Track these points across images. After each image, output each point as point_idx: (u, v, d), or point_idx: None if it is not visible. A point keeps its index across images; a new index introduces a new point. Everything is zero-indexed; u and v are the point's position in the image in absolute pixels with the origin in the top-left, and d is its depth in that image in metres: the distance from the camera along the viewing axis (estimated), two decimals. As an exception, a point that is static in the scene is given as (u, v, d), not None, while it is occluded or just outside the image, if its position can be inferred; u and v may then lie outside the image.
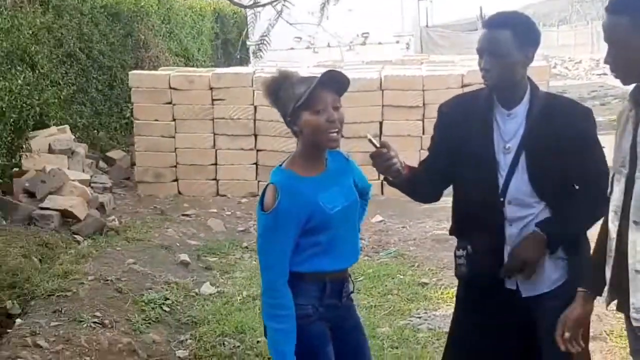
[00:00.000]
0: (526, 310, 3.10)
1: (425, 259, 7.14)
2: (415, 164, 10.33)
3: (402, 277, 6.55)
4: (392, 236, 8.03)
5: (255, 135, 9.81)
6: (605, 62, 2.58)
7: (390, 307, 5.86)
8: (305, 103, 2.90)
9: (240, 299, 5.98)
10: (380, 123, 9.85)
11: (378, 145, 3.02)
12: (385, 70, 10.49)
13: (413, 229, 8.27)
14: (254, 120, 9.79)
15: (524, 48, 3.01)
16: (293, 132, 3.02)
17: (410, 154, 9.67)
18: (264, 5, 6.08)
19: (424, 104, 9.73)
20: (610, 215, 2.67)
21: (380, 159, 3.02)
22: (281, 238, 2.92)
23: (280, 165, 3.06)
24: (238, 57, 17.92)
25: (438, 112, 3.35)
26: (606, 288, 2.73)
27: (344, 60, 14.01)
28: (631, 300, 2.56)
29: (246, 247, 7.45)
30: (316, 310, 3.03)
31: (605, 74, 23.14)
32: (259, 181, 9.75)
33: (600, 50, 34.62)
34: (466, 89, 9.22)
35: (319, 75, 2.91)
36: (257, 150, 9.85)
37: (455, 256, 3.28)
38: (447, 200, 3.42)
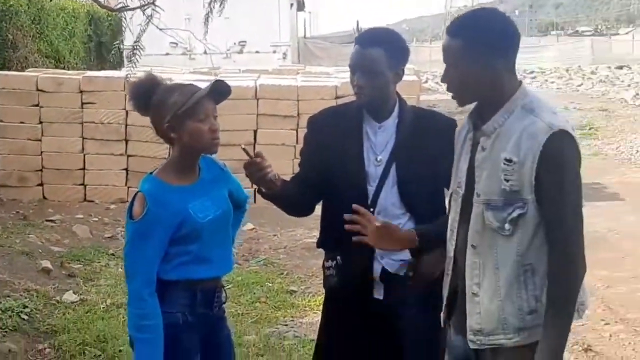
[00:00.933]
0: (392, 318, 3.14)
1: (294, 267, 7.19)
2: (289, 173, 10.41)
3: (270, 285, 6.57)
4: (262, 244, 8.04)
5: (127, 141, 9.62)
6: (442, 81, 2.65)
7: (257, 315, 5.86)
8: (188, 111, 2.87)
9: (103, 307, 5.83)
10: (255, 132, 9.86)
11: (252, 154, 3.00)
12: (260, 79, 10.51)
13: (284, 237, 8.31)
14: (125, 125, 9.59)
15: (395, 65, 3.07)
16: (167, 139, 2.96)
17: (285, 163, 9.74)
18: (133, 9, 5.93)
19: (298, 114, 9.81)
20: (448, 234, 2.73)
21: (254, 168, 3.00)
22: (148, 247, 2.87)
23: (151, 173, 3.01)
24: (112, 60, 17.53)
25: (308, 124, 3.37)
26: (443, 306, 2.78)
27: (220, 68, 13.91)
28: (468, 322, 2.60)
29: (112, 254, 7.28)
30: (186, 319, 2.97)
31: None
32: (128, 187, 9.55)
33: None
34: (340, 100, 9.38)
35: (197, 84, 2.90)
36: (128, 156, 9.66)
37: (324, 267, 3.29)
38: (317, 209, 3.44)
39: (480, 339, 2.57)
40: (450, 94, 2.63)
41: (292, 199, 3.25)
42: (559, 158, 2.42)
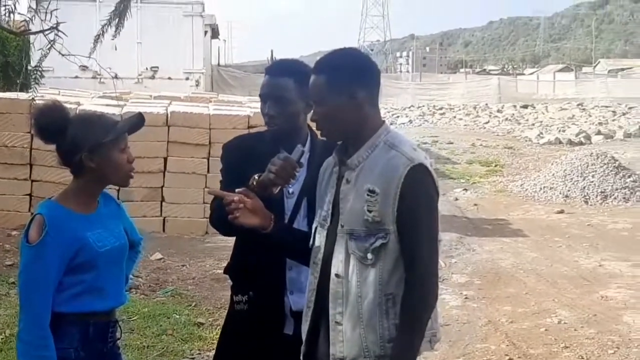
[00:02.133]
0: (298, 353, 3.12)
1: (203, 298, 7.08)
2: (200, 201, 10.25)
3: (178, 316, 6.45)
4: (170, 274, 7.90)
5: (31, 165, 9.35)
6: (311, 120, 2.75)
7: (163, 348, 5.73)
8: (112, 141, 2.83)
9: (2, 339, 5.61)
10: (165, 159, 9.74)
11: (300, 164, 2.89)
12: (172, 106, 10.41)
13: (193, 268, 8.19)
14: (30, 149, 9.32)
15: (305, 95, 3.07)
16: (78, 169, 2.88)
17: (195, 191, 9.69)
18: (34, 33, 5.80)
19: (210, 142, 9.75)
20: (311, 267, 2.82)
21: (291, 172, 2.84)
22: (45, 273, 2.77)
23: (50, 199, 2.93)
24: (18, 82, 17.03)
25: (223, 149, 3.33)
26: (304, 337, 2.83)
27: (131, 93, 13.71)
28: (331, 351, 2.67)
29: (13, 283, 7.02)
30: (78, 355, 2.86)
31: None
32: (32, 213, 9.20)
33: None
34: (252, 130, 9.36)
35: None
36: (32, 181, 9.39)
37: (233, 301, 3.24)
38: (227, 239, 3.39)
39: None
40: (319, 132, 2.74)
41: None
42: (416, 190, 2.56)
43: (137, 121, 2.94)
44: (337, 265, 2.65)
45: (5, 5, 5.27)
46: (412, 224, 2.55)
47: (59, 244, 2.76)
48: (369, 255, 2.58)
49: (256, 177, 2.86)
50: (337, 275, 2.65)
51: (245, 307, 3.19)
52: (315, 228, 2.82)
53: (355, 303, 2.61)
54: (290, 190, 3.11)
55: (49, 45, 5.60)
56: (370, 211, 2.56)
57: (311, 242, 2.83)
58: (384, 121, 2.72)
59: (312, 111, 2.71)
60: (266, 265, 3.10)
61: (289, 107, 3.07)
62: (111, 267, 2.93)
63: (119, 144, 2.86)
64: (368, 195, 2.56)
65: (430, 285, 2.58)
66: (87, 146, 2.82)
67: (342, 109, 2.62)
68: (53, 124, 2.87)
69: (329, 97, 2.62)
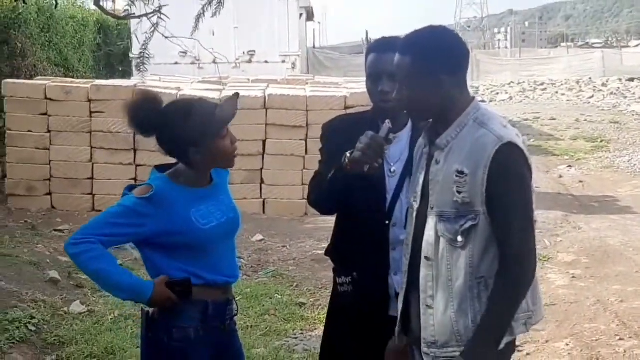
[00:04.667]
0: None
1: (304, 279, 7.12)
2: (298, 183, 10.34)
3: (280, 297, 6.50)
4: (271, 255, 7.97)
5: (135, 150, 9.59)
6: (395, 98, 2.67)
7: (266, 328, 5.79)
8: (214, 130, 2.85)
9: (111, 319, 5.77)
10: (264, 141, 9.82)
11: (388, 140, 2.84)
12: (269, 89, 10.47)
13: (293, 249, 8.24)
14: (134, 134, 9.52)
15: None
16: (183, 158, 2.90)
17: (294, 173, 9.74)
18: (138, 17, 5.89)
19: (307, 124, 9.76)
20: (404, 248, 2.78)
21: (379, 150, 2.79)
22: (125, 225, 2.82)
23: (163, 172, 2.95)
24: (120, 69, 17.54)
25: (323, 131, 3.31)
26: (398, 320, 2.80)
27: (229, 77, 13.88)
28: (422, 335, 2.63)
29: (121, 265, 7.21)
30: (198, 334, 2.90)
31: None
32: (137, 196, 9.50)
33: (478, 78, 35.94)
34: (348, 110, 9.33)
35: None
36: (137, 165, 9.64)
37: (337, 283, 3.22)
38: (326, 220, 3.37)
39: (434, 351, 2.61)
40: (405, 111, 2.71)
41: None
42: (506, 170, 2.47)
43: (235, 103, 2.92)
44: (427, 247, 2.61)
45: (107, -8, 5.37)
46: (504, 204, 2.47)
47: (156, 213, 2.80)
48: (459, 238, 2.52)
49: (348, 154, 2.83)
50: (427, 258, 2.60)
51: (350, 288, 3.17)
52: (407, 209, 2.79)
53: (445, 287, 2.56)
54: (392, 169, 3.07)
55: (153, 29, 5.67)
56: (459, 192, 2.49)
57: (404, 223, 2.80)
58: (473, 98, 2.64)
59: (396, 90, 2.64)
60: (369, 245, 3.07)
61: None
62: (220, 243, 2.95)
63: (220, 132, 2.87)
64: (457, 176, 2.50)
65: (525, 265, 2.49)
66: (191, 141, 2.82)
67: (427, 93, 2.56)
68: (147, 118, 2.87)
69: (413, 81, 2.56)
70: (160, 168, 2.99)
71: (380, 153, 2.79)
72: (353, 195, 3.04)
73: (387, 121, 2.82)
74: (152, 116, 2.86)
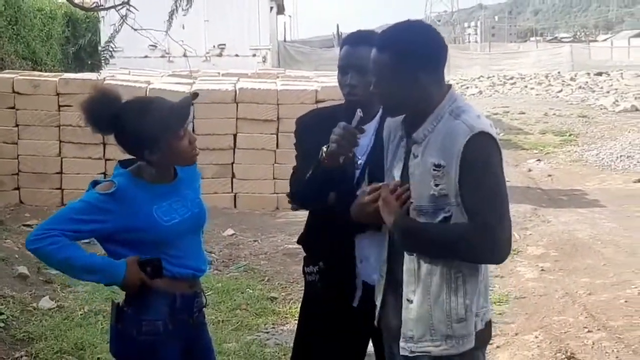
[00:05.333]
0: (367, 326, 3.08)
1: (275, 273, 7.11)
2: (269, 177, 10.27)
3: (251, 291, 6.49)
4: (243, 250, 7.95)
5: (104, 144, 9.49)
6: (372, 94, 2.68)
7: (238, 322, 5.78)
8: (169, 131, 2.82)
9: (81, 314, 5.73)
10: (235, 135, 9.78)
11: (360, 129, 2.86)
12: (240, 83, 10.43)
13: (264, 243, 8.22)
14: (100, 129, 9.45)
15: None
16: (142, 159, 2.89)
17: (265, 167, 9.72)
18: (106, 9, 5.85)
19: (278, 118, 9.74)
20: (386, 241, 2.78)
21: (352, 139, 2.83)
22: (85, 219, 2.80)
23: (125, 168, 2.93)
24: (89, 62, 17.37)
25: (297, 125, 3.32)
26: (377, 310, 2.81)
27: (199, 71, 13.82)
28: (402, 329, 2.63)
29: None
30: (166, 328, 2.89)
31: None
32: (107, 191, 9.43)
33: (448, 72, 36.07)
34: (320, 105, 9.31)
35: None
36: (106, 160, 9.55)
37: (305, 273, 3.24)
38: (297, 214, 3.38)
39: (410, 345, 2.61)
40: (381, 106, 2.72)
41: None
42: (478, 158, 2.47)
43: (191, 102, 2.90)
44: None
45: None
46: (475, 192, 2.46)
47: (118, 209, 2.79)
48: None
49: (324, 149, 2.84)
50: (409, 252, 2.60)
51: (317, 277, 3.18)
52: None
53: (425, 280, 2.57)
54: (359, 161, 3.07)
55: (121, 21, 5.63)
56: (437, 185, 2.50)
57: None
58: (449, 87, 2.63)
59: (372, 85, 2.64)
60: (335, 235, 3.08)
61: (369, 77, 3.01)
62: (184, 239, 2.94)
63: (177, 132, 2.84)
64: (434, 169, 2.50)
65: (486, 240, 2.45)
66: (145, 141, 2.80)
67: (404, 88, 2.56)
68: (103, 116, 2.84)
69: (390, 77, 2.55)
70: (125, 163, 2.97)
71: (354, 142, 2.82)
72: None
73: (358, 110, 2.84)
74: (106, 114, 2.83)
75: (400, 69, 2.53)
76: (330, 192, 3.01)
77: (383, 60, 2.56)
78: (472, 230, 2.46)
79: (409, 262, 2.60)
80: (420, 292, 2.58)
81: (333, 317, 3.14)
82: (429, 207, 2.53)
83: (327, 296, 3.16)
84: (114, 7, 5.59)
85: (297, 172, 3.18)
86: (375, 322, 2.83)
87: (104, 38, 15.09)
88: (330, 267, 3.13)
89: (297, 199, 3.22)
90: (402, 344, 2.63)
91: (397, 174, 2.68)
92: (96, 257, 2.86)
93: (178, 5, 5.95)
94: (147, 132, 2.78)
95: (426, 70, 2.55)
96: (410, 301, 2.60)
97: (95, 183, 2.90)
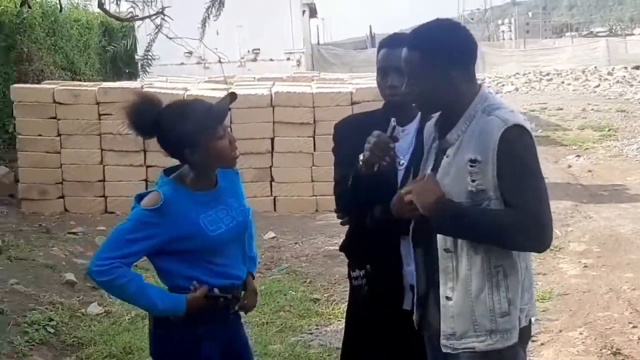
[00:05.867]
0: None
1: (317, 274, 7.16)
2: (307, 180, 10.27)
3: (294, 293, 6.54)
4: (284, 252, 8.01)
5: (145, 151, 9.63)
6: (404, 92, 2.70)
7: (282, 324, 5.83)
8: (209, 131, 2.86)
9: (128, 319, 5.83)
10: (272, 139, 9.85)
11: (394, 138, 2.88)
12: (275, 87, 10.50)
13: (305, 245, 8.28)
14: (143, 135, 9.57)
15: None
16: (184, 159, 2.94)
17: (302, 170, 9.77)
18: (141, 18, 5.94)
19: (314, 121, 9.79)
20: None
21: (385, 147, 2.85)
22: (139, 238, 2.84)
23: (169, 176, 2.98)
24: (127, 71, 17.59)
25: (335, 130, 3.37)
26: (415, 310, 2.85)
27: (235, 77, 13.92)
28: (442, 327, 2.65)
29: (135, 266, 7.23)
30: (205, 329, 2.95)
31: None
32: (149, 197, 9.55)
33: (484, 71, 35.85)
34: (356, 106, 9.36)
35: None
36: (147, 167, 9.69)
37: (351, 277, 3.27)
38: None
39: (452, 343, 2.62)
40: (413, 105, 2.72)
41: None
42: (514, 150, 2.48)
43: (229, 101, 2.95)
44: (445, 239, 2.62)
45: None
46: (514, 183, 2.48)
47: (166, 221, 2.83)
48: None
49: (361, 157, 2.88)
50: (446, 250, 2.62)
51: (364, 281, 3.20)
52: None
53: (464, 277, 2.58)
54: (402, 162, 3.10)
55: (157, 30, 5.71)
56: (473, 180, 2.51)
57: None
58: (480, 86, 2.66)
59: (404, 84, 2.67)
60: (381, 236, 3.10)
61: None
62: (228, 247, 2.99)
63: (217, 131, 2.89)
64: (470, 165, 2.52)
65: (530, 228, 2.47)
66: (186, 142, 2.85)
67: (436, 86, 2.59)
68: (145, 119, 2.90)
69: (422, 75, 2.59)
70: (168, 172, 3.03)
71: (388, 151, 2.84)
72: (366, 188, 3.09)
73: (392, 119, 2.87)
74: (148, 118, 2.89)
75: (431, 66, 2.56)
76: (377, 205, 3.02)
77: (414, 59, 2.60)
78: (517, 216, 2.47)
79: (446, 260, 2.62)
80: (459, 288, 2.59)
81: (382, 321, 3.17)
82: (466, 204, 2.55)
83: (375, 300, 3.18)
84: (149, 17, 5.67)
85: (338, 184, 3.22)
86: (415, 325, 2.85)
87: (140, 46, 15.28)
88: (378, 270, 3.16)
89: (342, 210, 3.27)
90: (443, 341, 2.64)
91: (427, 171, 2.72)
92: (158, 293, 2.91)
93: (210, 13, 6.03)
94: (187, 131, 2.84)
95: (457, 67, 2.58)
96: (449, 298, 2.62)
97: (139, 197, 2.93)
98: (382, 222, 3.03)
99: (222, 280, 2.98)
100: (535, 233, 2.49)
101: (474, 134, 2.55)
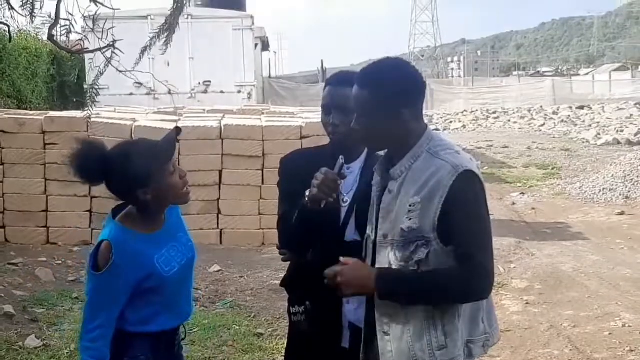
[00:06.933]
0: None
1: (261, 309, 7.11)
2: (255, 213, 10.22)
3: (238, 327, 6.49)
4: (229, 286, 7.95)
5: (90, 182, 9.49)
6: (353, 129, 2.74)
7: (224, 359, 5.77)
8: (160, 170, 2.84)
9: (67, 353, 5.70)
10: (220, 172, 9.81)
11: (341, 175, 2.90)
12: (225, 119, 10.50)
13: (250, 279, 8.23)
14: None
15: None
16: (134, 201, 2.90)
17: (250, 203, 9.73)
18: (91, 51, 5.89)
19: (263, 154, 9.79)
20: None
21: (332, 185, 2.86)
22: (111, 301, 2.82)
23: (114, 220, 2.94)
24: (74, 100, 17.42)
25: (281, 165, 3.36)
26: (361, 346, 2.86)
27: (185, 108, 13.88)
28: None
29: (76, 298, 7.13)
30: None
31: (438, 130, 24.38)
32: (92, 229, 9.43)
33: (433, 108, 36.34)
34: (305, 140, 9.40)
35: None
36: (92, 197, 9.55)
37: (290, 313, 3.26)
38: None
39: None
40: (360, 141, 2.78)
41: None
42: (464, 197, 2.53)
43: (175, 136, 2.94)
44: None
45: (62, 26, 5.37)
46: (463, 229, 2.52)
47: (125, 272, 2.80)
48: (412, 264, 2.57)
49: (307, 192, 2.89)
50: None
51: (303, 317, 3.19)
52: (365, 240, 2.84)
53: (401, 313, 2.60)
54: (345, 199, 3.12)
55: (106, 63, 5.67)
56: (410, 219, 2.55)
57: (364, 253, 2.84)
58: (426, 126, 2.70)
59: (353, 121, 2.70)
60: (322, 275, 3.10)
61: (352, 117, 3.07)
62: (179, 286, 2.98)
63: (167, 168, 2.87)
64: (410, 206, 2.55)
65: (482, 274, 2.52)
66: (137, 183, 2.82)
67: (385, 126, 2.62)
68: (91, 166, 2.86)
69: (371, 114, 2.61)
70: (116, 211, 2.98)
71: (335, 188, 2.85)
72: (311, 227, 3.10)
73: (340, 157, 2.89)
74: (94, 164, 2.85)
75: (381, 104, 2.59)
76: (310, 250, 3.06)
77: (364, 97, 2.63)
78: (467, 272, 2.51)
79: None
80: (398, 324, 2.62)
81: (321, 358, 3.16)
82: (400, 241, 2.58)
83: (314, 337, 3.18)
84: (99, 49, 5.62)
85: (282, 219, 3.21)
86: (361, 358, 2.85)
87: (89, 76, 15.16)
88: (317, 307, 3.15)
89: (284, 245, 3.27)
90: None
91: (373, 211, 2.75)
92: None
93: (153, 42, 6.00)
94: (136, 172, 2.80)
95: (407, 105, 2.61)
96: (386, 334, 2.64)
97: (94, 254, 2.85)
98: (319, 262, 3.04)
99: (171, 322, 2.98)
100: (484, 286, 2.56)
101: (418, 174, 2.58)
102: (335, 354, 3.10)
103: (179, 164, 2.99)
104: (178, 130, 2.96)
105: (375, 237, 2.70)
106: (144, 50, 5.66)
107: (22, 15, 5.38)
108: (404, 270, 2.57)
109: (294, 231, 3.08)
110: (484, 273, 2.52)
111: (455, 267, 2.52)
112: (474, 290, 2.55)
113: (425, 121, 2.74)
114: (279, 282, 6.97)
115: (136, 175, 2.81)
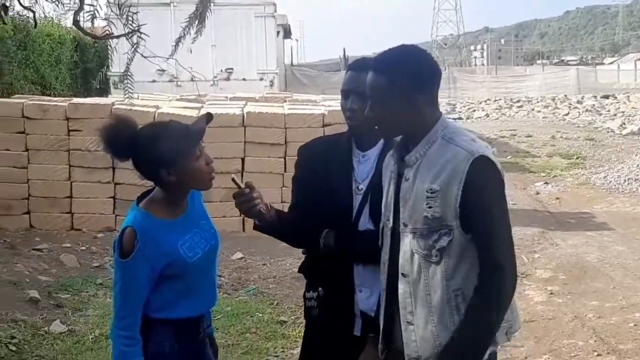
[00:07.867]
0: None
1: (284, 296, 7.12)
2: (277, 201, 10.25)
3: (260, 315, 6.50)
4: (252, 274, 7.97)
5: (113, 168, 9.55)
6: (367, 115, 2.72)
7: (247, 346, 5.79)
8: (186, 152, 2.84)
9: (92, 338, 5.75)
10: (243, 159, 9.83)
11: (241, 185, 2.98)
12: (247, 107, 10.49)
13: (273, 267, 8.24)
14: (112, 153, 9.50)
15: None
16: (159, 181, 2.90)
17: (273, 191, 9.72)
18: (117, 37, 5.90)
19: (285, 142, 9.78)
20: (381, 266, 2.82)
21: (242, 199, 2.99)
22: (138, 285, 2.82)
23: (138, 204, 2.95)
24: (97, 87, 17.50)
25: (299, 153, 3.37)
26: (380, 337, 2.84)
27: (207, 95, 13.90)
28: (405, 351, 2.66)
29: (101, 284, 7.19)
30: (172, 348, 2.92)
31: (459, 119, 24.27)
32: (116, 215, 9.49)
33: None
34: (327, 128, 9.38)
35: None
36: (115, 184, 9.60)
37: (305, 298, 3.26)
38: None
39: None
40: (376, 128, 2.74)
41: (292, 228, 3.21)
42: (482, 183, 2.52)
43: (205, 122, 2.94)
44: (403, 264, 2.65)
45: (87, 12, 5.39)
46: (483, 217, 2.51)
47: (150, 258, 2.80)
48: (434, 253, 2.56)
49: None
50: (403, 275, 2.64)
51: (315, 303, 3.20)
52: (382, 228, 2.82)
53: (424, 301, 2.60)
54: (360, 187, 3.12)
55: (133, 49, 5.68)
56: (430, 207, 2.53)
57: (380, 241, 2.83)
58: (441, 114, 2.69)
59: (367, 107, 2.69)
60: (335, 262, 3.11)
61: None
62: (203, 272, 2.97)
63: (193, 151, 2.87)
64: (428, 192, 2.54)
65: (508, 276, 2.52)
66: (163, 162, 2.82)
67: (399, 112, 2.61)
68: (120, 142, 2.86)
69: (386, 100, 2.60)
70: (142, 198, 2.98)
71: (251, 201, 3.01)
72: (323, 214, 3.11)
73: (232, 176, 3.05)
74: (124, 139, 2.85)
75: (396, 91, 2.58)
76: (329, 232, 3.09)
77: (379, 83, 2.62)
78: (487, 288, 2.50)
79: (404, 284, 2.64)
80: (422, 313, 2.61)
81: (332, 345, 3.16)
82: (423, 229, 2.57)
83: (325, 323, 3.18)
84: (124, 34, 5.62)
85: (290, 209, 3.34)
86: (380, 349, 2.83)
87: (112, 62, 15.22)
88: (329, 294, 3.16)
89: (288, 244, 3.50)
90: None
91: (390, 198, 2.73)
92: None
93: (185, 33, 6.01)
94: (163, 151, 2.81)
95: (421, 92, 2.60)
96: (410, 323, 2.63)
97: (119, 241, 2.84)
98: (331, 248, 3.07)
99: (194, 311, 2.97)
100: (509, 285, 2.54)
101: (435, 161, 2.57)
102: (347, 342, 3.10)
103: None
104: (209, 116, 2.96)
105: (397, 224, 2.69)
106: (178, 41, 5.67)
107: (48, 1, 5.39)
108: (449, 344, 2.55)
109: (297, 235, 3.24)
110: (508, 272, 2.52)
111: (481, 292, 2.50)
112: (506, 296, 2.54)
113: (448, 109, 2.71)
114: (301, 269, 6.99)
115: (162, 154, 2.81)
